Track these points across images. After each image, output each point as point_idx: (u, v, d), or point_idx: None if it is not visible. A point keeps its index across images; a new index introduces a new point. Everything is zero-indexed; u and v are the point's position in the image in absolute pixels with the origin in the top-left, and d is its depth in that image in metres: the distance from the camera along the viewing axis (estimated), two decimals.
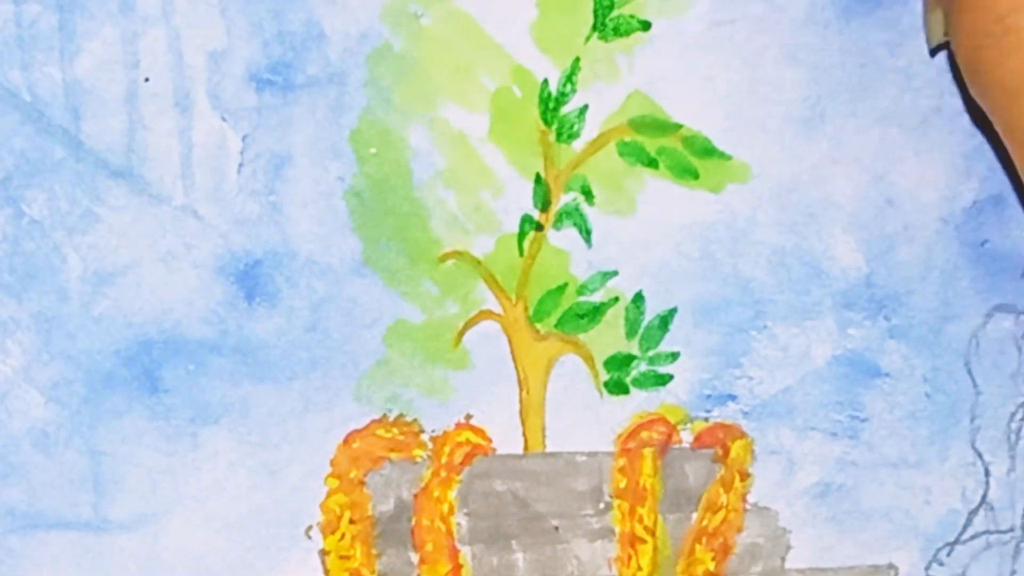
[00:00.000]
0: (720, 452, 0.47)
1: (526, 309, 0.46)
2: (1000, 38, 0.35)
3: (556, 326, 0.46)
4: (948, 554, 0.48)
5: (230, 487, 0.45)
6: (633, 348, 0.46)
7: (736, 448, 0.47)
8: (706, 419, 0.47)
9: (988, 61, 0.36)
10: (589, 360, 0.46)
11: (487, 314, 0.46)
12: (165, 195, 0.44)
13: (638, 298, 0.46)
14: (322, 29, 0.45)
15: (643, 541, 0.46)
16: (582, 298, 0.46)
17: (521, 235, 0.46)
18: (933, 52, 0.44)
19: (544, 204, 0.46)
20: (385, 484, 0.46)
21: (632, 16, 0.45)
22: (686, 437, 0.47)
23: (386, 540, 0.46)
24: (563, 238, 0.46)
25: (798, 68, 0.46)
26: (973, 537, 0.48)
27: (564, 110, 0.46)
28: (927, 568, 0.48)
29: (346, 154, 0.45)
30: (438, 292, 0.46)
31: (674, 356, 0.47)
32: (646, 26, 0.46)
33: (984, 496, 0.48)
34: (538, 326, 0.46)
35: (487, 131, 0.45)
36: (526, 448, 0.46)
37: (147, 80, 0.44)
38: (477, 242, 0.46)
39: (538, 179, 0.46)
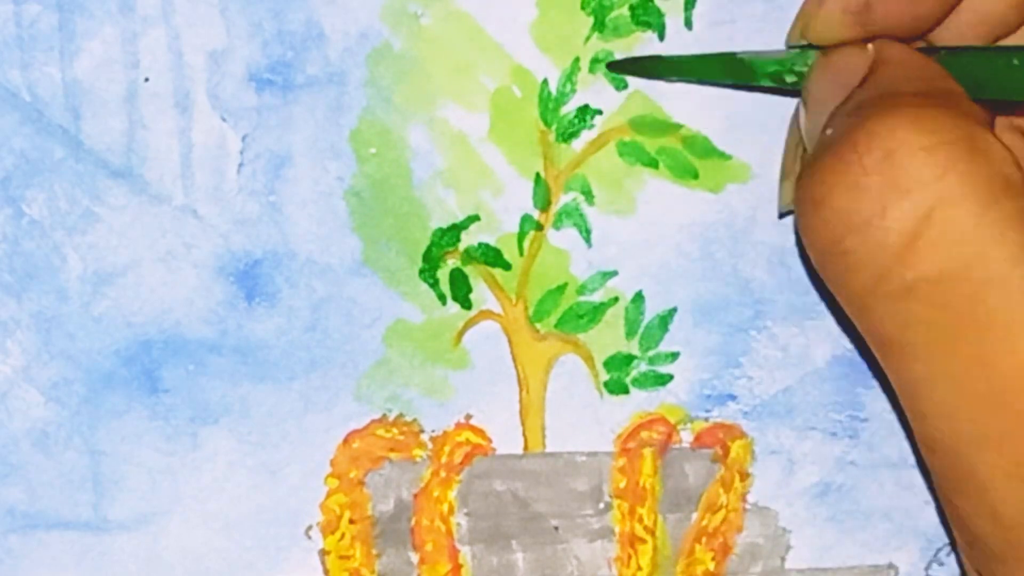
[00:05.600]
0: (720, 452, 0.47)
1: (526, 309, 0.46)
2: (839, 257, 0.36)
3: (556, 326, 0.46)
4: (948, 554, 0.48)
5: (230, 487, 0.45)
6: (633, 348, 0.46)
7: (736, 448, 0.47)
8: (706, 419, 0.47)
9: (832, 273, 0.37)
10: (589, 360, 0.46)
11: (487, 314, 0.46)
12: (165, 195, 0.44)
13: (638, 298, 0.46)
14: (322, 29, 0.45)
15: (643, 541, 0.46)
16: (582, 298, 0.46)
17: (521, 235, 0.46)
18: (781, 215, 0.45)
19: (544, 204, 0.46)
20: (385, 484, 0.46)
21: (632, 16, 0.46)
22: (686, 437, 0.47)
23: (386, 540, 0.46)
24: (563, 238, 0.46)
25: None
26: None
27: (564, 110, 0.46)
28: (927, 568, 0.48)
29: (346, 154, 0.45)
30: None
31: (674, 356, 0.47)
32: (646, 26, 0.46)
33: None
34: (538, 326, 0.46)
35: (487, 131, 0.45)
36: (526, 448, 0.46)
37: (147, 80, 0.44)
38: (477, 242, 0.46)
39: (538, 179, 0.46)
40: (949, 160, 0.35)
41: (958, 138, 0.35)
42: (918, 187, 0.35)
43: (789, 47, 0.42)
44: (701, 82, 0.45)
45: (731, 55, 0.43)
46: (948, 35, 0.41)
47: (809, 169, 0.36)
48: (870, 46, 0.39)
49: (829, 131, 0.37)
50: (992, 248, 0.34)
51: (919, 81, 0.38)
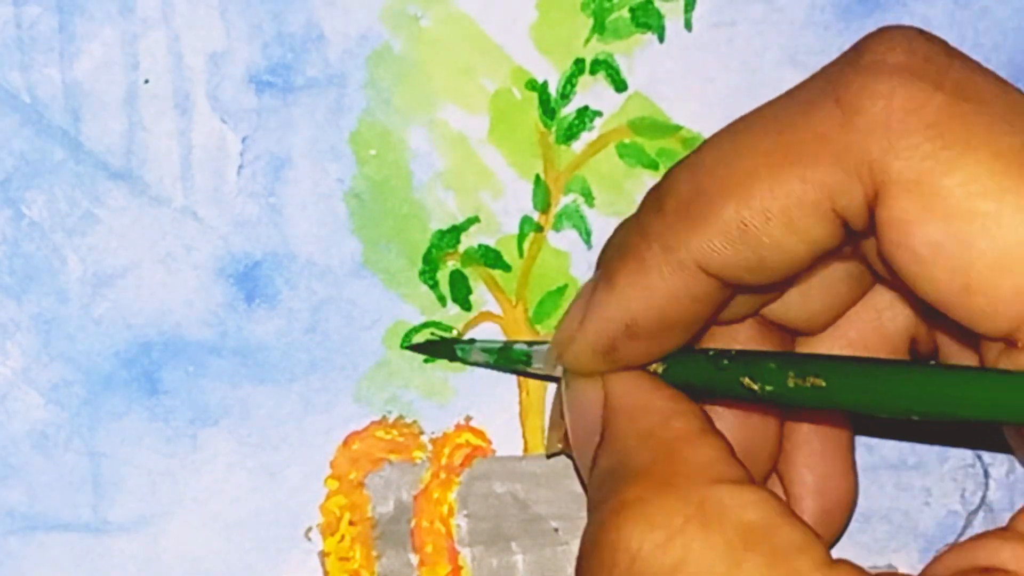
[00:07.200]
0: None
1: (526, 311, 0.46)
2: None
3: (556, 327, 0.46)
4: None
5: (230, 489, 0.45)
6: None
7: None
8: None
9: None
10: None
11: (487, 316, 0.46)
12: (165, 197, 0.44)
13: None
14: (322, 31, 0.45)
15: None
16: None
17: (521, 237, 0.46)
18: (549, 456, 0.46)
19: (544, 206, 0.46)
20: (385, 486, 0.46)
21: (632, 18, 0.46)
22: None
23: (386, 542, 0.46)
24: (563, 239, 0.46)
25: (798, 70, 0.46)
26: None
27: (564, 112, 0.46)
28: None
29: (346, 156, 0.45)
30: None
31: None
32: (646, 28, 0.46)
33: (983, 498, 0.48)
34: (538, 327, 0.46)
35: (487, 133, 0.45)
36: (526, 450, 0.46)
37: (147, 82, 0.44)
38: (477, 243, 0.46)
39: (538, 181, 0.46)
40: (683, 547, 0.36)
41: (687, 518, 0.36)
42: None
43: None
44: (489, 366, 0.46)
45: (507, 345, 0.45)
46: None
47: (578, 562, 0.39)
48: (601, 387, 0.40)
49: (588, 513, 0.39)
50: None
51: (645, 440, 0.39)
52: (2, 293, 0.44)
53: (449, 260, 0.46)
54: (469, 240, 0.46)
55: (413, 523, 0.46)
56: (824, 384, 0.37)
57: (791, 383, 0.38)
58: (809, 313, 0.42)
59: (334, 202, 0.45)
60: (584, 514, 0.46)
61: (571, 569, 0.46)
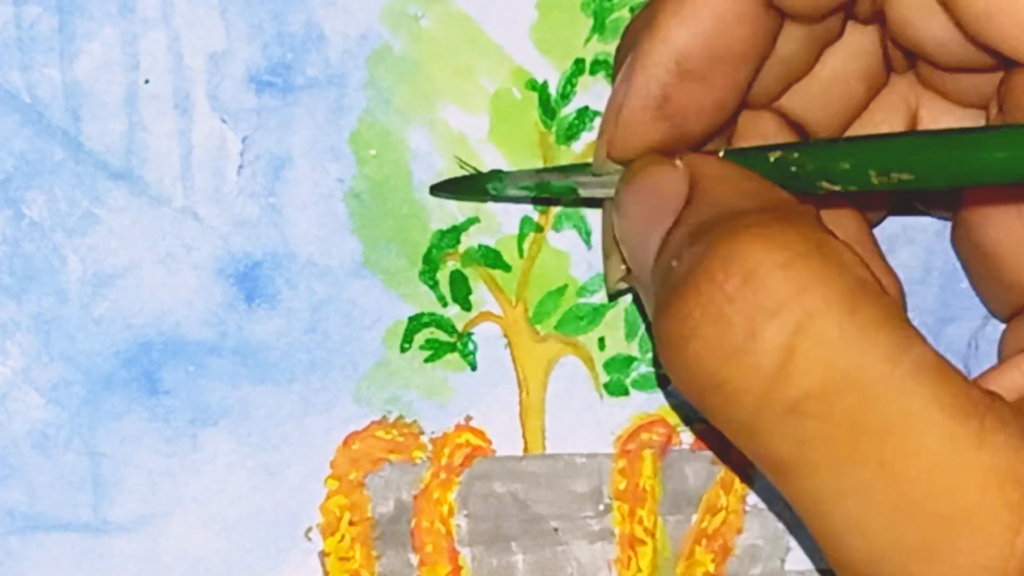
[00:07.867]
0: None
1: (526, 311, 0.46)
2: (717, 389, 0.35)
3: (556, 328, 0.46)
4: None
5: (230, 489, 0.45)
6: (633, 350, 0.46)
7: (736, 450, 0.47)
8: (706, 421, 0.47)
9: (713, 406, 0.36)
10: (589, 362, 0.46)
11: (487, 316, 0.46)
12: (165, 197, 0.44)
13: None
14: (322, 31, 0.45)
15: (643, 543, 0.46)
16: (582, 300, 0.46)
17: (521, 237, 0.46)
18: (612, 297, 0.45)
19: (544, 206, 0.46)
20: (385, 486, 0.46)
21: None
22: (686, 439, 0.47)
23: (386, 542, 0.46)
24: (563, 239, 0.46)
25: None
26: None
27: (564, 112, 0.46)
28: None
29: (346, 156, 0.45)
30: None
31: None
32: None
33: None
34: (538, 327, 0.46)
35: (487, 133, 0.45)
36: (526, 450, 0.46)
37: (147, 82, 0.44)
38: (477, 243, 0.46)
39: None
40: (807, 273, 0.34)
41: (809, 250, 0.34)
42: (783, 305, 0.34)
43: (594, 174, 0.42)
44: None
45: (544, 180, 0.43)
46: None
47: (666, 307, 0.35)
48: (679, 162, 0.38)
49: (675, 263, 0.36)
50: (866, 353, 0.33)
51: (749, 195, 0.37)
52: (2, 293, 0.44)
53: (449, 260, 0.46)
54: (469, 240, 0.46)
55: (413, 523, 0.46)
56: (912, 178, 0.35)
57: (875, 180, 0.36)
58: (828, 113, 0.41)
59: (334, 202, 0.45)
60: (584, 515, 0.46)
61: (571, 569, 0.46)
